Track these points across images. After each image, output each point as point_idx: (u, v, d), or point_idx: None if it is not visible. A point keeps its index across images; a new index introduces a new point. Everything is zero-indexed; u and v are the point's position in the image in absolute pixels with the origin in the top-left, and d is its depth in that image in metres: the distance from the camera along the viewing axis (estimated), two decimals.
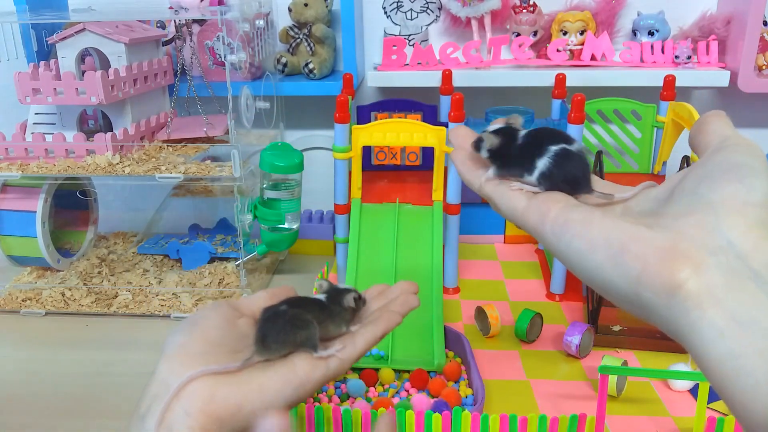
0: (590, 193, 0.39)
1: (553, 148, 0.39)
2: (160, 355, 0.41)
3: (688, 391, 0.71)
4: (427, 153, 1.05)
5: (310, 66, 1.08)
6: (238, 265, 0.97)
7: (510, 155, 0.41)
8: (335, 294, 0.47)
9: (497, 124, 0.43)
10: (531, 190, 0.39)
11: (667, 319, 0.29)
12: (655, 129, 1.05)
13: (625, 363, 0.70)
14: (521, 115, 0.46)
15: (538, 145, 0.40)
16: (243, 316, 0.46)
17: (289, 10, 1.09)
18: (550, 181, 0.39)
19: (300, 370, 0.41)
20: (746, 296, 0.27)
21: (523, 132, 0.42)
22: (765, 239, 0.28)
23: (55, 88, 0.88)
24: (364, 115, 1.05)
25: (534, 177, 0.40)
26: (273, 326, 0.42)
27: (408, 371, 0.74)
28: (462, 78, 1.04)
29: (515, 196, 0.39)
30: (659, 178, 1.03)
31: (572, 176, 0.39)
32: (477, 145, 0.43)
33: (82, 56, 0.95)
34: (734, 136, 0.34)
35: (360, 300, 0.47)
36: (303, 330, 0.42)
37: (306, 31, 1.09)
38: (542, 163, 0.39)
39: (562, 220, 0.34)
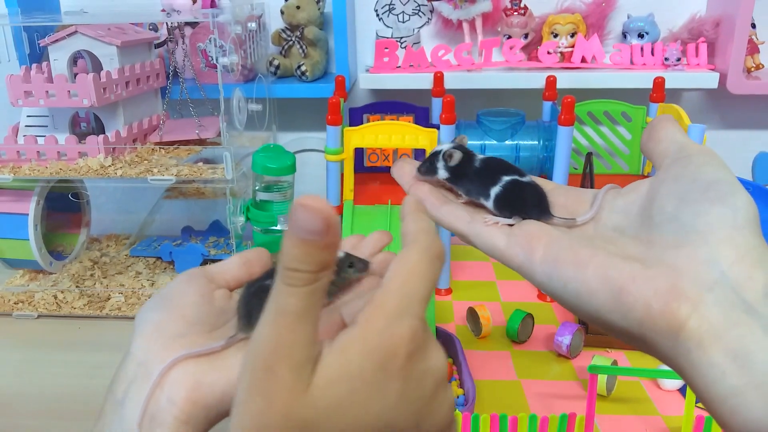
0: (550, 219, 0.37)
1: (506, 178, 0.39)
2: (133, 333, 0.39)
3: (678, 390, 0.72)
4: (419, 155, 1.06)
5: (303, 68, 1.08)
6: None
7: (471, 176, 0.40)
8: None
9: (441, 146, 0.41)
10: (506, 222, 0.38)
11: (670, 357, 0.30)
12: None
13: (614, 362, 0.71)
14: (467, 135, 0.45)
15: (490, 175, 0.39)
16: (218, 288, 0.43)
17: (282, 12, 1.10)
18: (510, 213, 0.38)
19: None
20: (744, 331, 0.27)
21: (478, 157, 0.41)
22: (756, 267, 0.29)
23: (47, 91, 0.88)
24: (356, 118, 1.06)
25: (491, 205, 0.39)
26: (260, 302, 0.38)
27: None
28: (453, 80, 1.05)
29: (492, 233, 0.37)
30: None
31: (530, 209, 0.38)
32: (431, 164, 0.40)
33: (75, 59, 0.95)
34: (690, 144, 0.34)
35: (352, 268, 0.39)
36: None
37: (298, 33, 1.10)
38: (496, 193, 0.38)
39: (551, 260, 0.34)
